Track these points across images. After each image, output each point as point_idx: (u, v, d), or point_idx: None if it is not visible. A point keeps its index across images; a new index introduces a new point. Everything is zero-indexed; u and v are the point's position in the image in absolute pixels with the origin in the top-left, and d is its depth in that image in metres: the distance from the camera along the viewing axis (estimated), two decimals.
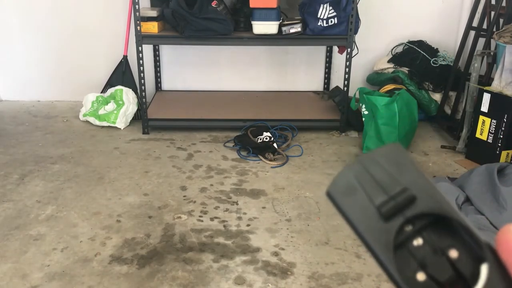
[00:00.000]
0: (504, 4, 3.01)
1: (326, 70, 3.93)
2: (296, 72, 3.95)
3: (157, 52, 3.84)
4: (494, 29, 3.05)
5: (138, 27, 3.08)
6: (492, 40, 3.05)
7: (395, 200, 0.31)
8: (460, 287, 0.29)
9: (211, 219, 2.33)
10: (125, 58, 3.65)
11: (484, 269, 0.28)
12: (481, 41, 3.17)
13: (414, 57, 3.55)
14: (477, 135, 2.91)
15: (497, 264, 0.28)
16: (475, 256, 0.29)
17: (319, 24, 3.14)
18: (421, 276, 0.29)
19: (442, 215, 0.30)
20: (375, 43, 3.76)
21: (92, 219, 2.32)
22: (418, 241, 0.31)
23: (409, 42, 3.69)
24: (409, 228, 0.31)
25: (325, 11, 3.11)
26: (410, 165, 0.32)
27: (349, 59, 3.24)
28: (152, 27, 3.18)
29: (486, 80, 3.10)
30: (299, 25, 3.16)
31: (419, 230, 0.31)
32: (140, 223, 2.30)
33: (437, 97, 3.49)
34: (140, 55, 3.20)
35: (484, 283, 0.28)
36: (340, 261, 2.04)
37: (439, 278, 0.29)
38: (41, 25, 3.78)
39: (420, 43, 3.65)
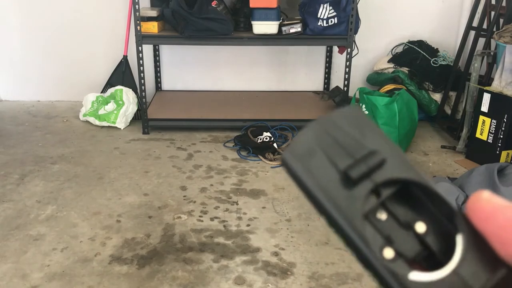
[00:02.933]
0: (504, 4, 3.01)
1: (326, 70, 3.93)
2: (296, 72, 3.95)
3: (157, 52, 3.84)
4: (494, 29, 3.05)
5: (138, 27, 3.08)
6: (492, 40, 3.05)
7: (364, 162, 0.27)
8: (432, 263, 0.26)
9: (211, 219, 2.33)
10: (125, 58, 3.64)
11: (459, 240, 0.26)
12: (481, 41, 3.17)
13: (414, 57, 3.55)
14: (477, 135, 2.91)
15: (473, 233, 0.26)
16: (445, 229, 0.27)
17: (319, 24, 3.14)
18: (388, 253, 0.26)
19: (412, 182, 0.27)
20: (375, 43, 3.76)
21: (92, 219, 2.32)
22: (381, 213, 0.27)
23: (409, 42, 3.69)
24: (373, 198, 0.27)
25: (325, 11, 3.11)
26: (373, 128, 0.29)
27: (349, 59, 3.24)
28: (152, 27, 3.17)
29: (486, 80, 3.10)
30: (299, 25, 3.16)
31: (384, 201, 0.27)
32: (140, 223, 2.30)
33: (437, 97, 3.49)
34: (140, 55, 3.20)
35: (460, 256, 0.25)
36: (340, 261, 2.04)
37: (407, 254, 0.26)
38: (41, 25, 3.78)
39: (420, 43, 3.65)
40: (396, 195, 0.28)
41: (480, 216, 0.24)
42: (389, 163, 0.27)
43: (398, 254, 0.26)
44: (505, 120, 2.74)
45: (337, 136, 0.28)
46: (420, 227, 0.27)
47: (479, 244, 0.25)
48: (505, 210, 0.23)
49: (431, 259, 0.26)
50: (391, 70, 3.58)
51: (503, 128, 2.76)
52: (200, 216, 2.35)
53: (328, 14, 3.11)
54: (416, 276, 0.25)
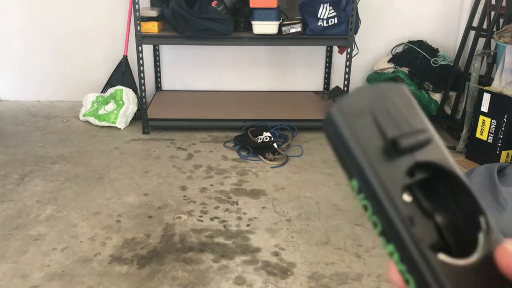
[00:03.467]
0: (504, 4, 3.01)
1: (326, 70, 3.93)
2: (296, 72, 3.95)
3: (157, 52, 3.84)
4: (494, 29, 3.05)
5: (138, 27, 3.08)
6: (492, 40, 3.05)
7: (413, 136, 0.27)
8: (446, 253, 0.26)
9: (211, 219, 2.33)
10: (125, 58, 3.64)
11: (480, 238, 0.26)
12: (481, 41, 3.17)
13: (414, 57, 3.55)
14: (477, 135, 2.91)
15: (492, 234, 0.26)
16: (465, 226, 0.27)
17: (319, 24, 3.14)
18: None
19: (450, 172, 0.27)
20: (375, 43, 3.76)
21: (92, 219, 2.32)
22: (408, 196, 0.27)
23: (409, 42, 3.69)
24: (406, 178, 0.27)
25: (325, 11, 3.11)
26: (419, 110, 0.29)
27: (349, 59, 3.24)
28: (152, 27, 3.17)
29: (486, 80, 3.10)
30: (299, 25, 3.16)
31: (414, 184, 0.27)
32: (140, 223, 2.30)
33: (437, 97, 3.49)
34: (140, 55, 3.20)
35: (482, 251, 0.26)
36: (340, 261, 2.04)
37: (425, 240, 0.26)
38: (41, 25, 3.78)
39: (420, 43, 3.65)
40: (425, 181, 0.27)
41: (509, 269, 0.25)
42: (433, 146, 0.27)
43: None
44: (505, 120, 2.74)
45: (388, 106, 0.28)
46: (441, 219, 0.27)
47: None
48: None
49: (448, 251, 0.26)
50: (391, 70, 3.58)
51: (503, 128, 2.76)
52: (200, 216, 2.35)
53: (328, 14, 3.11)
54: (444, 257, 0.25)
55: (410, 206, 0.27)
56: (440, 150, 0.28)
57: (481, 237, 0.26)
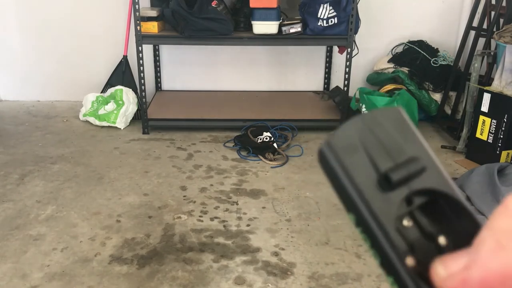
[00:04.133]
0: (504, 4, 3.01)
1: (326, 70, 3.93)
2: (296, 72, 3.95)
3: (157, 52, 3.84)
4: (494, 29, 3.05)
5: (138, 27, 3.08)
6: (492, 40, 3.04)
7: (405, 167, 0.27)
8: None
9: (211, 219, 2.33)
10: (125, 58, 3.64)
11: None
12: (481, 41, 3.17)
13: (414, 57, 3.54)
14: (477, 135, 2.91)
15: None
16: (468, 243, 0.26)
17: (319, 24, 3.14)
18: (410, 261, 0.27)
19: (448, 196, 0.27)
20: (375, 43, 3.76)
21: (92, 219, 2.32)
22: (408, 221, 0.27)
23: (409, 42, 3.69)
24: (403, 204, 0.27)
25: (325, 11, 3.11)
26: (415, 134, 0.29)
27: (349, 59, 3.24)
28: (152, 27, 3.17)
29: (486, 80, 3.10)
30: (299, 25, 3.16)
31: (413, 209, 0.27)
32: (140, 223, 2.30)
33: (437, 97, 3.49)
34: (140, 55, 3.19)
35: None
36: (340, 261, 2.04)
37: (427, 264, 0.26)
38: (41, 25, 3.78)
39: (420, 43, 3.65)
40: (425, 205, 0.28)
41: None
42: (427, 172, 0.27)
43: (419, 263, 0.26)
44: (505, 120, 2.74)
45: (380, 136, 0.28)
46: (442, 240, 0.27)
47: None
48: (470, 274, 0.23)
49: None
50: (391, 70, 3.57)
51: (503, 128, 2.76)
52: (200, 216, 2.35)
53: (328, 14, 3.11)
54: None
55: (411, 231, 0.27)
56: (437, 174, 0.27)
57: None
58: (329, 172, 0.28)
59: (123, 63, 3.64)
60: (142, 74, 3.24)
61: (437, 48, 3.64)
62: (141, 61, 3.21)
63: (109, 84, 3.66)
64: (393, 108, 0.29)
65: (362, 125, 0.28)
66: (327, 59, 3.89)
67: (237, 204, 2.48)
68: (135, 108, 3.51)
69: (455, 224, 0.27)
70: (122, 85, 3.56)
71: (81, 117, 3.55)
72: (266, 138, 3.07)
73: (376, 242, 0.26)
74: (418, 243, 0.27)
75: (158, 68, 3.88)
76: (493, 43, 3.07)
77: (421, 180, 0.27)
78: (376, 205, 0.26)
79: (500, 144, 2.78)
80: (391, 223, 0.26)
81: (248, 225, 2.29)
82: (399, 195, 0.27)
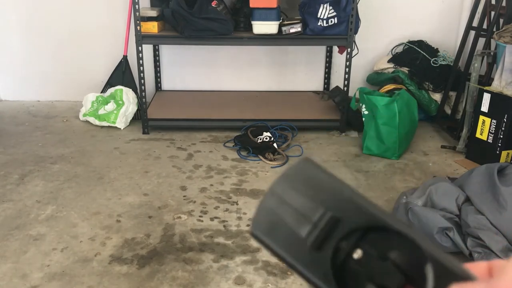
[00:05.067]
0: (504, 4, 3.01)
1: (326, 70, 3.93)
2: (296, 72, 3.95)
3: (157, 52, 3.84)
4: (494, 29, 3.05)
5: (138, 27, 3.08)
6: (492, 40, 3.04)
7: (320, 227, 0.29)
8: (414, 285, 0.28)
9: (211, 219, 2.33)
10: (125, 58, 3.64)
11: (429, 271, 0.27)
12: (481, 41, 3.17)
13: (414, 57, 3.54)
14: (477, 135, 2.91)
15: (439, 263, 0.27)
16: (415, 256, 0.28)
17: (319, 24, 3.14)
18: None
19: (369, 227, 0.29)
20: (375, 43, 3.76)
21: (92, 219, 2.32)
22: (358, 254, 0.29)
23: (409, 42, 3.69)
24: (345, 244, 0.29)
25: (325, 11, 3.11)
26: (325, 179, 0.30)
27: (349, 59, 3.24)
28: (152, 27, 3.17)
29: (486, 80, 3.10)
30: (299, 25, 3.16)
31: (355, 243, 0.29)
32: (140, 223, 2.30)
33: (437, 97, 3.49)
34: (140, 55, 3.19)
35: (432, 283, 0.27)
36: None
37: (390, 285, 0.28)
38: (41, 25, 3.78)
39: (420, 43, 3.65)
40: (366, 232, 0.29)
41: None
42: (344, 218, 0.29)
43: (379, 285, 0.28)
44: (505, 120, 2.74)
45: (292, 202, 0.30)
46: (395, 256, 0.28)
47: (447, 280, 0.26)
48: None
49: (417, 279, 0.28)
50: (391, 70, 3.57)
51: (503, 128, 2.76)
52: (200, 216, 2.35)
53: (328, 14, 3.11)
54: None
55: (364, 260, 0.29)
56: (354, 212, 0.29)
57: (428, 269, 0.27)
58: (266, 248, 0.30)
59: (123, 63, 3.64)
60: (142, 74, 3.24)
61: (437, 48, 3.64)
62: (141, 61, 3.21)
63: (109, 84, 3.66)
64: (301, 162, 0.31)
65: (275, 198, 0.30)
66: (327, 59, 3.89)
67: (237, 204, 2.48)
68: (135, 108, 3.51)
69: (398, 239, 0.29)
70: (122, 85, 3.56)
71: (81, 117, 3.55)
72: (266, 138, 3.07)
73: None
74: (375, 268, 0.28)
75: (158, 68, 3.88)
76: (493, 43, 3.07)
77: (342, 227, 0.29)
78: (314, 267, 0.28)
79: (500, 144, 2.78)
80: (329, 277, 0.28)
81: (248, 225, 2.29)
82: (329, 249, 0.29)
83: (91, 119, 3.48)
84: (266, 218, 0.30)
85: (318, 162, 0.31)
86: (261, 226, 0.30)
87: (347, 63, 3.25)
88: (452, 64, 3.47)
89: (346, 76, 3.28)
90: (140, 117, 3.44)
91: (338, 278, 0.28)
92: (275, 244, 0.30)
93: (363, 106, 3.07)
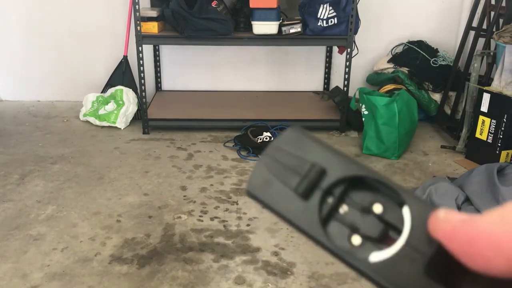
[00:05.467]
0: (503, 4, 3.01)
1: (326, 70, 3.93)
2: (296, 72, 3.95)
3: (157, 52, 3.84)
4: (494, 29, 3.05)
5: (138, 27, 3.08)
6: (492, 40, 3.05)
7: (307, 177, 0.32)
8: (396, 236, 0.30)
9: (211, 219, 2.33)
10: (125, 58, 3.64)
11: (406, 213, 0.29)
12: (481, 41, 3.17)
13: (414, 57, 3.55)
14: (477, 135, 2.91)
15: (418, 204, 0.29)
16: (398, 203, 0.30)
17: (319, 24, 3.14)
18: (356, 240, 0.30)
19: (351, 177, 0.32)
20: (375, 43, 3.76)
21: (92, 219, 2.32)
22: (343, 208, 0.31)
23: (409, 42, 3.69)
24: (330, 199, 0.31)
25: (325, 11, 3.11)
26: (311, 142, 0.33)
27: (349, 59, 3.24)
28: (152, 27, 3.17)
29: (486, 80, 3.10)
30: (299, 25, 3.16)
31: (340, 198, 0.32)
32: (140, 223, 2.30)
33: (437, 97, 3.49)
34: (140, 55, 3.19)
35: (409, 228, 0.29)
36: None
37: (372, 235, 0.30)
38: (41, 25, 3.78)
39: (420, 43, 3.65)
40: (350, 187, 0.32)
41: (443, 236, 0.26)
42: (330, 168, 0.32)
43: (365, 237, 0.30)
44: (504, 120, 2.75)
45: (283, 161, 0.33)
46: (377, 208, 0.31)
47: (423, 218, 0.29)
48: (464, 226, 0.24)
49: (397, 230, 0.30)
50: (391, 70, 3.58)
51: (502, 128, 2.76)
52: (200, 216, 2.35)
53: (328, 14, 3.11)
54: (375, 257, 0.29)
55: (349, 214, 0.31)
56: (338, 165, 0.32)
57: (405, 211, 0.29)
58: (260, 203, 0.33)
59: (123, 63, 3.64)
60: (142, 74, 3.24)
61: (436, 48, 3.64)
62: (141, 61, 3.21)
63: (109, 84, 3.66)
64: (289, 130, 0.34)
65: (268, 159, 0.34)
66: (327, 59, 3.89)
67: (237, 204, 2.48)
68: (135, 108, 3.51)
69: (380, 191, 0.31)
70: (122, 85, 3.56)
71: (81, 117, 3.56)
72: (266, 138, 3.07)
73: (316, 243, 0.31)
74: (358, 220, 0.31)
75: (158, 68, 3.88)
76: (492, 43, 3.07)
77: (327, 178, 0.32)
78: (303, 215, 0.31)
79: (499, 144, 2.79)
80: (318, 223, 0.31)
81: (248, 225, 2.29)
82: (316, 199, 0.31)
83: (91, 119, 3.48)
84: (260, 177, 0.34)
85: (305, 130, 0.35)
86: (255, 185, 0.34)
87: (347, 63, 3.25)
88: (452, 64, 3.47)
89: (346, 76, 3.28)
90: (140, 117, 3.44)
91: (324, 226, 0.31)
92: (267, 198, 0.33)
93: (363, 106, 3.07)
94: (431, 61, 3.51)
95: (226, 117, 3.40)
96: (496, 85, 2.82)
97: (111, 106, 3.48)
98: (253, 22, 3.14)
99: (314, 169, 0.32)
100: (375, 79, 3.68)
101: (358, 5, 3.17)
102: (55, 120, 3.61)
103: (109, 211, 2.39)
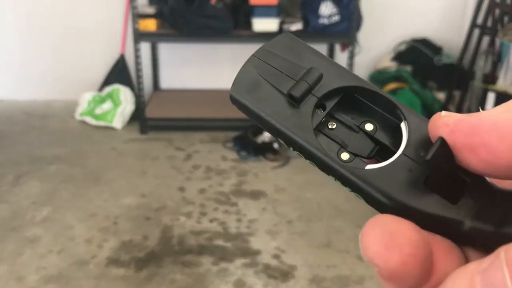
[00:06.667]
0: (508, 2, 2.98)
1: None
2: None
3: (155, 50, 3.80)
4: (499, 27, 3.02)
5: (136, 25, 3.05)
6: (496, 38, 3.02)
7: (304, 80, 0.29)
8: (385, 155, 0.28)
9: (210, 221, 2.30)
10: (122, 56, 3.61)
11: (403, 128, 0.28)
12: (486, 39, 3.14)
13: (418, 56, 3.51)
14: None
15: (415, 120, 0.28)
16: (391, 123, 0.29)
17: (320, 21, 3.11)
18: (345, 156, 0.28)
19: (352, 87, 0.29)
20: (378, 41, 3.72)
21: (88, 221, 2.29)
22: (332, 124, 0.29)
23: (413, 40, 3.66)
24: (320, 112, 0.29)
25: (326, 8, 3.08)
26: (307, 48, 0.31)
27: (351, 57, 3.20)
28: (150, 25, 3.14)
29: (491, 79, 3.07)
30: (300, 22, 3.13)
31: (331, 112, 0.29)
32: (138, 225, 2.26)
33: (441, 96, 3.46)
34: (138, 53, 3.16)
35: (406, 141, 0.27)
36: (342, 264, 2.01)
37: (362, 153, 0.29)
38: (37, 23, 3.75)
39: (424, 41, 3.62)
40: (342, 104, 0.30)
41: (444, 130, 0.24)
42: (327, 77, 0.30)
43: (354, 154, 0.28)
44: None
45: (275, 64, 0.30)
46: (369, 126, 0.29)
47: (422, 131, 0.27)
48: (467, 118, 0.24)
49: (387, 152, 0.28)
50: (394, 68, 3.55)
51: None
52: (199, 218, 2.32)
53: (330, 11, 3.08)
54: (371, 166, 0.27)
55: (338, 131, 0.29)
56: (337, 74, 0.30)
57: (402, 125, 0.28)
58: (244, 109, 0.31)
59: (120, 62, 3.61)
60: (139, 73, 3.21)
61: (440, 46, 3.61)
62: (138, 60, 3.19)
63: (106, 83, 3.63)
64: (282, 35, 0.32)
65: (257, 61, 0.31)
66: (329, 57, 3.85)
67: (236, 205, 2.44)
68: (133, 108, 3.48)
69: (373, 109, 0.29)
70: (119, 84, 3.53)
71: (77, 117, 3.52)
72: (266, 139, 3.05)
73: (306, 153, 0.28)
74: (348, 137, 0.29)
75: (156, 67, 3.84)
76: (497, 41, 3.04)
77: (323, 86, 0.29)
78: (292, 121, 0.28)
79: None
80: (310, 130, 0.28)
81: (248, 227, 2.26)
82: (309, 105, 0.29)
83: (88, 119, 3.44)
84: (247, 79, 0.31)
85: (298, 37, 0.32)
86: (240, 87, 0.31)
87: (349, 61, 3.21)
88: (456, 63, 3.44)
89: None
90: (138, 117, 3.40)
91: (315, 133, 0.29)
92: (253, 102, 0.30)
93: None
94: (435, 60, 3.48)
95: (225, 117, 3.36)
96: (501, 83, 2.78)
97: (108, 105, 3.44)
98: (253, 19, 3.11)
99: (310, 73, 0.29)
100: (378, 78, 3.64)
101: (360, 2, 3.14)
102: (51, 119, 3.57)
103: (106, 213, 2.35)
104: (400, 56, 3.59)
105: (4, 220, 2.28)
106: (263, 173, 2.77)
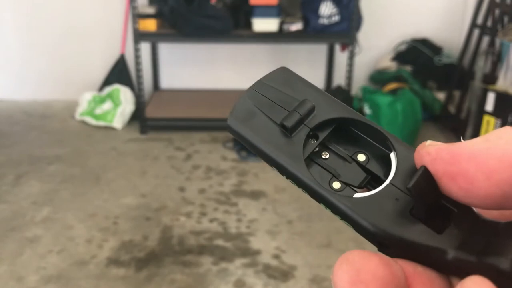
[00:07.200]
0: (508, 1, 2.98)
1: (328, 68, 3.89)
2: (297, 70, 3.72)
3: (155, 50, 3.80)
4: (499, 27, 3.02)
5: (136, 25, 3.04)
6: (496, 38, 3.01)
7: (296, 112, 0.30)
8: (377, 185, 0.28)
9: (210, 221, 2.29)
10: (122, 56, 3.61)
11: (393, 158, 0.29)
12: (486, 39, 3.13)
13: (418, 56, 3.51)
14: (482, 134, 2.86)
15: (404, 150, 0.28)
16: (382, 154, 0.30)
17: (320, 21, 3.10)
18: (336, 185, 0.29)
19: (343, 119, 0.30)
20: (378, 41, 3.72)
21: (88, 221, 2.28)
22: (325, 154, 0.31)
23: (413, 40, 3.65)
24: (313, 142, 0.30)
25: (326, 8, 3.07)
26: (301, 82, 0.32)
27: (351, 57, 3.20)
28: (150, 25, 3.14)
29: (490, 78, 3.06)
30: (300, 22, 3.13)
31: (323, 143, 0.31)
32: (138, 225, 2.26)
33: (441, 96, 3.46)
34: (138, 53, 3.16)
35: (394, 171, 0.28)
36: None
37: (354, 183, 0.29)
38: (37, 23, 3.74)
39: (424, 41, 3.61)
40: (336, 134, 0.31)
41: (427, 159, 0.25)
42: (319, 108, 0.31)
43: (346, 184, 0.29)
44: (509, 119, 2.70)
45: (271, 95, 0.32)
46: (361, 157, 0.30)
47: (409, 160, 0.28)
48: (448, 147, 0.24)
49: (379, 182, 0.29)
50: (394, 68, 3.54)
51: None
52: (199, 218, 2.32)
53: (330, 11, 3.08)
54: (359, 195, 0.28)
55: (331, 161, 0.30)
56: (329, 106, 0.31)
57: (392, 156, 0.29)
58: (239, 138, 0.32)
59: (121, 62, 3.61)
60: (139, 73, 3.21)
61: (440, 46, 3.60)
62: (138, 60, 3.18)
63: (106, 83, 3.62)
64: (278, 69, 0.33)
65: (253, 93, 0.33)
66: (329, 57, 3.85)
67: (236, 205, 2.44)
68: (133, 108, 3.47)
69: (365, 140, 0.30)
70: (119, 84, 3.52)
71: (77, 117, 3.51)
72: None
73: (298, 181, 0.29)
74: (340, 167, 0.30)
75: (156, 67, 3.84)
76: (497, 41, 3.03)
77: (315, 117, 0.30)
78: (285, 150, 0.29)
79: None
80: (302, 159, 0.29)
81: (248, 227, 2.25)
82: (301, 135, 0.30)
83: (88, 119, 3.43)
84: (243, 110, 0.33)
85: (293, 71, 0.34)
86: (237, 116, 0.33)
87: (349, 61, 3.21)
88: (456, 63, 3.43)
89: (348, 74, 3.24)
90: (138, 117, 3.40)
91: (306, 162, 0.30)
92: (248, 132, 0.31)
93: (366, 105, 3.03)
94: (435, 60, 3.47)
95: (225, 117, 3.33)
96: (501, 84, 2.78)
97: (108, 105, 3.44)
98: (253, 19, 3.11)
99: (303, 105, 0.30)
100: (378, 78, 3.64)
101: (360, 2, 3.14)
102: (51, 119, 3.56)
103: (105, 213, 2.35)
104: (400, 56, 3.58)
105: (4, 220, 2.28)
106: (263, 173, 2.77)
